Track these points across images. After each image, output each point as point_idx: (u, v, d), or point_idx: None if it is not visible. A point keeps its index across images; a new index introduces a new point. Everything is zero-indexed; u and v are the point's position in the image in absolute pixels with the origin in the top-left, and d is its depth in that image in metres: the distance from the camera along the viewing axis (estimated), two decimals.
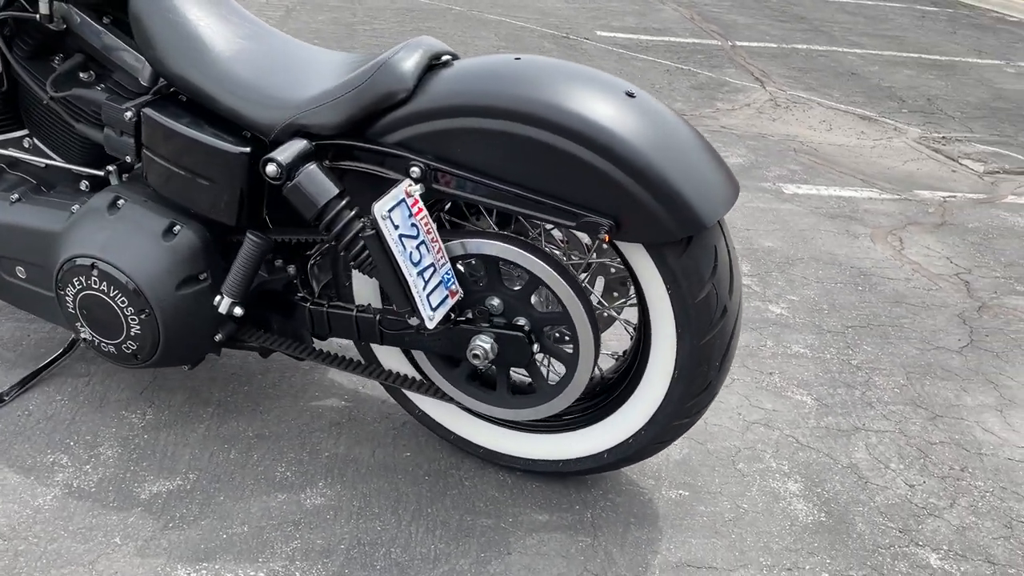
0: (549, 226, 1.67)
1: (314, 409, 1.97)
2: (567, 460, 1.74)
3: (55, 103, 1.71)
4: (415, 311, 1.48)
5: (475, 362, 1.56)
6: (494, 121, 1.43)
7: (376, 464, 1.82)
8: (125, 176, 1.80)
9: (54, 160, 1.83)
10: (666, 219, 1.39)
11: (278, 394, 2.01)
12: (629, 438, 1.66)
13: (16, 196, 1.80)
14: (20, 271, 1.81)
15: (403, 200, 1.43)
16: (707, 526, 1.74)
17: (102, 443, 1.81)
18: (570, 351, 1.58)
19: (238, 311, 1.64)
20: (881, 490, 1.88)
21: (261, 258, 1.62)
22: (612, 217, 1.40)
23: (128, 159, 1.68)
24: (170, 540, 1.58)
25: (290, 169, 1.47)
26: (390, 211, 1.41)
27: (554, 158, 1.41)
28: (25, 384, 1.93)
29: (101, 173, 1.79)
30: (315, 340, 1.79)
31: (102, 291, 1.65)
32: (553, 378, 1.67)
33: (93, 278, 1.65)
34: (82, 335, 1.73)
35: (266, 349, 1.84)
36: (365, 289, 1.73)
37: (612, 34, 5.99)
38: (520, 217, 1.63)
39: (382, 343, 1.67)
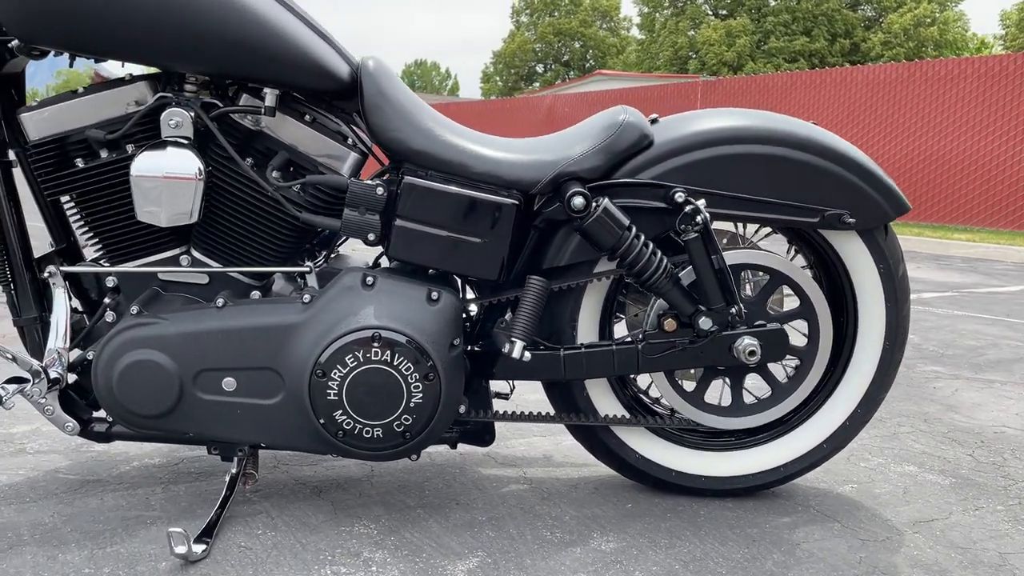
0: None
1: (501, 496, 1.93)
2: (788, 463, 1.92)
3: (281, 195, 1.67)
4: (733, 303, 1.66)
5: (751, 360, 1.74)
6: (734, 147, 1.73)
7: (621, 515, 1.84)
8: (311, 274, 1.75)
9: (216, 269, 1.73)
10: (884, 205, 1.77)
11: (446, 497, 1.94)
12: (846, 420, 1.90)
13: (222, 302, 1.66)
14: (228, 383, 1.64)
15: None
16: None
17: (363, 551, 1.63)
18: (803, 344, 1.83)
19: (527, 355, 1.66)
20: None
21: (544, 300, 1.69)
22: (846, 209, 1.75)
23: (371, 237, 1.68)
24: None
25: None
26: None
27: (790, 168, 1.73)
28: (212, 529, 1.66)
29: (305, 269, 1.73)
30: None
31: (384, 361, 1.58)
32: (750, 399, 1.89)
33: (374, 349, 1.58)
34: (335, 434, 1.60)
35: (456, 439, 1.82)
36: (586, 329, 1.83)
37: None
38: (762, 225, 1.83)
39: (638, 372, 1.78)
